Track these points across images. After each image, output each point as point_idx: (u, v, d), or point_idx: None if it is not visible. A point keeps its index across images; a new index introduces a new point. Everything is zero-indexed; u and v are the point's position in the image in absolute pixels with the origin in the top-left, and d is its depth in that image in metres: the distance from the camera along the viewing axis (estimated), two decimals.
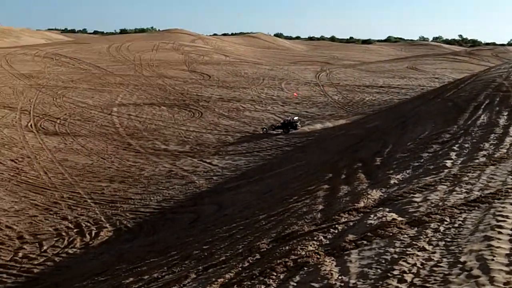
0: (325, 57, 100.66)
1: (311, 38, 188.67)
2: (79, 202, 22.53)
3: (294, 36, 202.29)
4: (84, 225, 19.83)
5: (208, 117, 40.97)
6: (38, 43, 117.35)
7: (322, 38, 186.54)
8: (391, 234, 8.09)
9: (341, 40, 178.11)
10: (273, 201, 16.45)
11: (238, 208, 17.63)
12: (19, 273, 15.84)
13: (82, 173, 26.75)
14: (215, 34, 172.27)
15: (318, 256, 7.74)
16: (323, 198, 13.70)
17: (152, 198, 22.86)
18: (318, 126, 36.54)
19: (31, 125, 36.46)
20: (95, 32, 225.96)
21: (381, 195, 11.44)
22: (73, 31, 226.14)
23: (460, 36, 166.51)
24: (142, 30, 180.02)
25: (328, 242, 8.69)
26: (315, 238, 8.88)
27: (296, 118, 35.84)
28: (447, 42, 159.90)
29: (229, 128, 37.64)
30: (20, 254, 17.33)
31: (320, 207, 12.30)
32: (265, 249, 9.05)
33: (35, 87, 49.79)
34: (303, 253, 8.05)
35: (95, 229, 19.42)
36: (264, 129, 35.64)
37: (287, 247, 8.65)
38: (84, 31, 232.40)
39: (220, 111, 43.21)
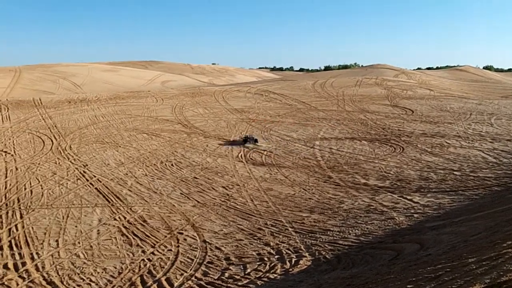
0: None
1: None
2: (281, 230, 23.53)
3: (506, 68, 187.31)
4: (284, 252, 20.59)
5: (410, 153, 39.62)
6: (250, 80, 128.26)
7: None
8: None
9: None
10: (483, 244, 15.05)
11: (442, 249, 16.51)
12: None
13: (285, 203, 27.95)
14: (419, 68, 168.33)
15: None
16: None
17: (350, 232, 22.76)
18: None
19: (241, 155, 39.54)
20: (301, 70, 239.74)
21: None
22: (280, 69, 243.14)
23: None
24: (345, 67, 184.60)
25: None
26: None
27: (255, 137, 44.24)
28: None
29: (432, 164, 35.83)
30: (227, 274, 18.66)
31: None
32: None
33: (245, 121, 54.20)
34: None
35: (295, 257, 20.00)
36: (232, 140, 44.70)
37: None
38: (291, 68, 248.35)
39: (423, 147, 41.50)
